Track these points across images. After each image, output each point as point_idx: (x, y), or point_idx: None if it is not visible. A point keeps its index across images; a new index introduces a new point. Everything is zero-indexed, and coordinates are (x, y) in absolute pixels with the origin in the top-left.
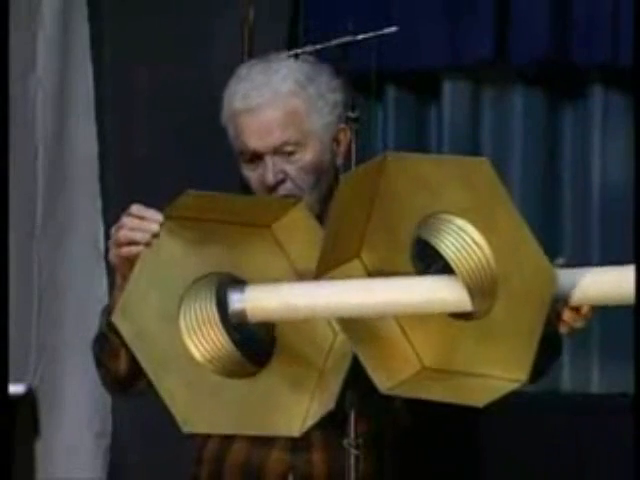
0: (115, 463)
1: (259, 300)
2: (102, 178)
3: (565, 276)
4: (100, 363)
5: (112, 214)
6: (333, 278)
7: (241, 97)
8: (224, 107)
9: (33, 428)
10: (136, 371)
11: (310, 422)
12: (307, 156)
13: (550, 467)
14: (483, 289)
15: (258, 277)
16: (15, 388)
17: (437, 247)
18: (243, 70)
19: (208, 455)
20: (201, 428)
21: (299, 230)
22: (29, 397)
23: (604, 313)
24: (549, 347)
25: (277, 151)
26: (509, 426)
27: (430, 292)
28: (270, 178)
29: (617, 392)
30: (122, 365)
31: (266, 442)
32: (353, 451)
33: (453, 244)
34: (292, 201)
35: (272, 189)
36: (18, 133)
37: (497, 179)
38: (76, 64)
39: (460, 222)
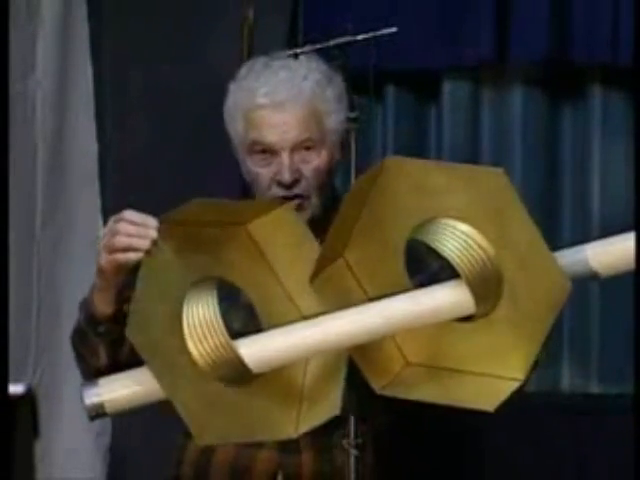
0: (115, 463)
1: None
2: (102, 177)
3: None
4: (80, 358)
5: (112, 214)
6: (320, 280)
7: (265, 92)
8: (236, 100)
9: (33, 428)
10: (116, 367)
11: (307, 425)
12: (322, 156)
13: (550, 467)
14: (486, 291)
15: (240, 278)
16: (15, 388)
17: (439, 250)
18: (257, 65)
19: (191, 456)
20: (214, 439)
21: (280, 231)
22: (29, 397)
23: (604, 313)
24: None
25: (294, 149)
26: (509, 426)
27: (433, 301)
28: (287, 176)
29: (617, 392)
30: (101, 361)
31: (254, 442)
32: (353, 451)
33: (456, 247)
34: (278, 202)
35: (287, 187)
36: (18, 133)
37: (512, 189)
38: (76, 64)
39: (462, 226)
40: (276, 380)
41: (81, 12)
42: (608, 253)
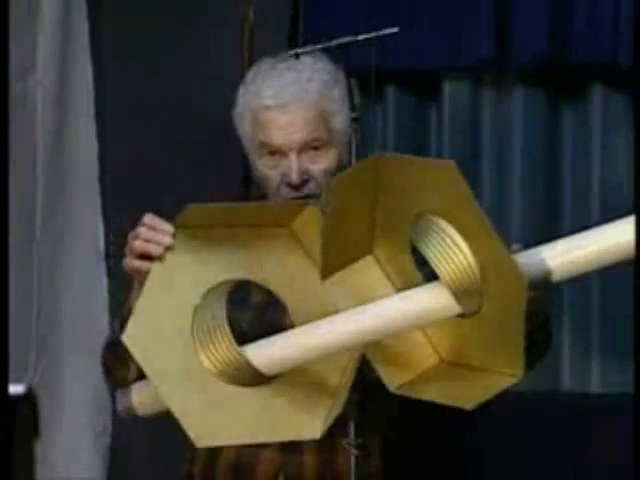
0: (115, 463)
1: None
2: (102, 178)
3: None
4: (109, 370)
5: (112, 214)
6: (348, 277)
7: (271, 94)
8: (244, 102)
9: (33, 428)
10: (144, 378)
11: (326, 425)
12: (331, 156)
13: (550, 467)
14: (467, 290)
15: (276, 279)
16: (15, 388)
17: (421, 249)
18: (264, 67)
19: (202, 453)
20: (215, 441)
21: (315, 229)
22: (29, 397)
23: (604, 313)
24: (536, 341)
25: (302, 149)
26: (509, 426)
27: (418, 304)
28: (295, 177)
29: (617, 392)
30: (131, 374)
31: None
32: (353, 451)
33: (435, 247)
34: (302, 202)
35: (296, 188)
36: (18, 133)
37: (463, 182)
38: (76, 64)
39: (442, 223)
40: (306, 379)
41: (81, 12)
42: (566, 254)
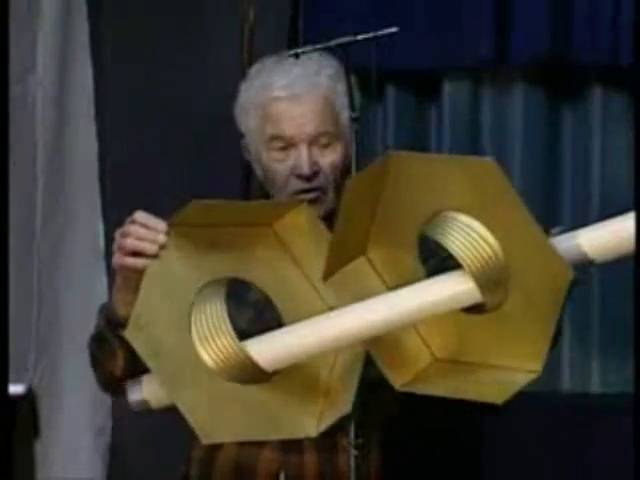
0: (115, 463)
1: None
2: (102, 178)
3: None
4: (96, 363)
5: (112, 214)
6: (341, 278)
7: (282, 86)
8: (249, 97)
9: (33, 428)
10: (132, 372)
11: (326, 423)
12: (338, 151)
13: (550, 467)
14: (492, 283)
15: (264, 278)
16: (15, 388)
17: (444, 244)
18: (268, 63)
19: (198, 454)
20: (221, 438)
21: (302, 229)
22: (29, 397)
23: (604, 313)
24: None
25: (313, 142)
26: (509, 426)
27: (436, 292)
28: (306, 169)
29: (617, 392)
30: (119, 365)
31: (258, 442)
32: (353, 451)
33: (460, 240)
34: (294, 201)
35: (306, 180)
36: (18, 133)
37: (504, 178)
38: (76, 64)
39: (465, 219)
40: (299, 376)
41: (81, 12)
42: (601, 238)
